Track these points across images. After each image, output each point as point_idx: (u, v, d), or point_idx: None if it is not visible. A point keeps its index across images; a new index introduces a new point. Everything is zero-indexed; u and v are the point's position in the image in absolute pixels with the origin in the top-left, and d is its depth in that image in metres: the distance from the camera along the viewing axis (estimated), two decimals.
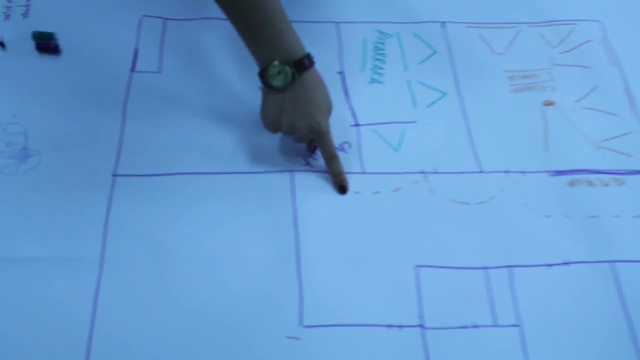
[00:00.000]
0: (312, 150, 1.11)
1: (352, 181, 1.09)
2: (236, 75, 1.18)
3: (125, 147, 1.09)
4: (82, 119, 1.11)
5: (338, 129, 1.14)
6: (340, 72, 1.22)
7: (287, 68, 1.01)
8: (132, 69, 1.18)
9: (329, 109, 1.07)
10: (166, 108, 1.14)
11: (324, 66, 1.10)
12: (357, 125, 1.16)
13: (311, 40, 1.06)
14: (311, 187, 1.08)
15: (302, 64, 1.02)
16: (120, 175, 1.06)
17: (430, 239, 1.04)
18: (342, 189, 1.08)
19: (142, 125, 1.12)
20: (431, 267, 1.02)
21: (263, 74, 1.03)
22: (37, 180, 1.05)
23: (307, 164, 1.11)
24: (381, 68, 1.24)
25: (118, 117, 1.13)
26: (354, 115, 1.17)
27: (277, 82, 1.02)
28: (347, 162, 1.11)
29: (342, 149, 1.13)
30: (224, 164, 1.09)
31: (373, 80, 1.22)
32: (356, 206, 1.07)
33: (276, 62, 1.01)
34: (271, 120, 1.06)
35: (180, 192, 1.06)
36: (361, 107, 1.18)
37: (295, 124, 1.04)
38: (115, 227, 1.01)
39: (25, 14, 1.23)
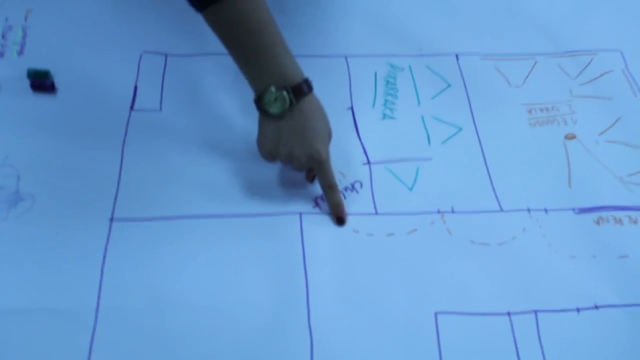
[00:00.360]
0: (311, 179, 1.05)
1: (365, 223, 1.03)
2: (240, 112, 1.13)
3: (123, 190, 1.03)
4: (78, 160, 1.05)
5: (349, 167, 1.08)
6: (351, 108, 1.17)
7: (284, 94, 0.95)
8: (132, 107, 1.12)
9: (328, 136, 1.01)
10: (166, 147, 1.08)
11: (334, 102, 1.07)
12: (368, 163, 1.10)
13: (320, 75, 1.03)
14: (321, 230, 1.02)
15: (300, 89, 0.96)
16: (118, 220, 1.00)
17: (449, 284, 0.98)
18: (339, 220, 1.02)
19: (141, 166, 1.06)
20: (452, 314, 0.95)
21: (259, 101, 0.97)
22: (29, 225, 0.98)
23: (317, 205, 1.04)
24: (393, 103, 1.18)
25: (116, 157, 1.06)
26: (365, 153, 1.11)
27: (274, 109, 0.96)
28: (359, 202, 1.05)
29: (353, 188, 1.07)
30: (228, 206, 1.03)
31: (385, 116, 1.16)
32: (369, 249, 1.00)
33: (273, 88, 0.95)
34: (268, 149, 1.00)
35: (181, 237, 0.99)
36: (373, 145, 1.12)
37: (294, 153, 0.98)
38: (111, 275, 0.94)
39: (20, 52, 1.18)
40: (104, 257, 0.96)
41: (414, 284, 0.97)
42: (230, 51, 0.97)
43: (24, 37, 1.21)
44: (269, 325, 0.92)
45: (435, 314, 0.95)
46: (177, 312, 0.92)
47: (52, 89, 1.13)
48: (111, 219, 1.00)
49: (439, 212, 1.05)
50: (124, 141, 1.09)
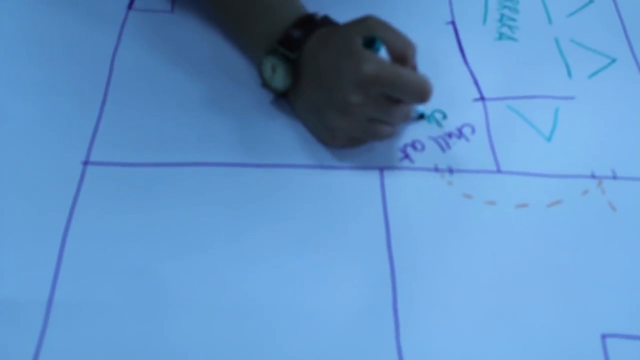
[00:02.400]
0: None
1: (482, 185, 0.68)
2: None
3: (106, 123, 0.69)
4: (49, 74, 0.72)
5: (453, 104, 0.73)
6: (452, 22, 0.80)
7: (274, 58, 0.66)
8: (130, 6, 0.79)
9: (355, 76, 0.63)
10: (176, 65, 0.74)
11: (425, 12, 0.81)
12: (482, 99, 0.73)
13: None
14: (413, 192, 0.66)
15: (290, 39, 0.66)
16: (94, 164, 0.65)
17: (620, 290, 0.61)
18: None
19: (136, 89, 0.72)
20: (627, 338, 0.58)
21: (265, 84, 0.69)
22: None
23: (406, 156, 0.67)
24: (513, 19, 0.81)
25: (102, 73, 0.73)
26: (477, 84, 0.75)
27: (278, 83, 0.68)
28: (471, 154, 0.70)
29: (461, 134, 0.70)
30: (263, 154, 0.67)
31: (502, 36, 0.79)
32: (490, 227, 0.64)
33: (266, 58, 0.67)
34: (323, 137, 0.68)
35: (191, 190, 0.64)
36: (487, 74, 0.77)
37: (333, 123, 0.65)
38: (78, 241, 0.60)
39: None
40: (70, 215, 0.62)
41: (565, 288, 0.61)
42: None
43: None
44: (338, 337, 0.57)
45: (603, 337, 0.58)
46: (177, 306, 0.57)
47: None
48: (85, 162, 0.65)
49: (593, 176, 0.68)
50: (114, 54, 0.75)
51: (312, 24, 0.67)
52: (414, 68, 0.66)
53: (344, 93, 0.62)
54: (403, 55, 0.64)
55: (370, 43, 0.65)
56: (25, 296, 0.57)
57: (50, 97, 0.70)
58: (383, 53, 0.65)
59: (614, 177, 0.69)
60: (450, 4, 0.82)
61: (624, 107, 0.75)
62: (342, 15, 0.68)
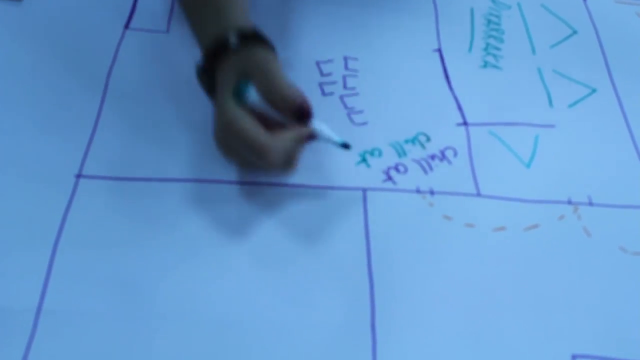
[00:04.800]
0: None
1: (462, 208, 0.69)
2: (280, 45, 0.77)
3: (100, 138, 0.70)
4: (45, 93, 0.73)
5: (437, 127, 0.75)
6: (438, 50, 0.82)
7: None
8: (127, 25, 0.80)
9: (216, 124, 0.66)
10: (171, 83, 0.76)
11: (415, 40, 0.82)
12: (465, 124, 0.75)
13: (396, 5, 0.83)
14: (394, 213, 0.68)
15: (207, 61, 0.67)
16: (87, 177, 0.66)
17: (592, 312, 0.63)
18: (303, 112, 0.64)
19: (130, 107, 0.73)
20: (596, 359, 0.60)
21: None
22: None
23: (389, 178, 0.69)
24: (498, 49, 0.83)
25: (97, 92, 0.74)
26: (460, 109, 0.77)
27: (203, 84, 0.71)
28: (453, 176, 0.71)
29: (443, 157, 0.72)
30: (249, 173, 0.69)
31: (487, 64, 0.82)
32: (468, 248, 0.66)
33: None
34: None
35: (179, 205, 0.66)
36: (471, 100, 0.79)
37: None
38: (69, 253, 0.62)
39: None
40: (62, 226, 0.63)
41: (538, 309, 0.63)
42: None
43: None
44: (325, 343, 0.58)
45: (573, 358, 0.60)
46: (154, 313, 0.60)
47: None
48: (78, 175, 0.66)
49: (570, 202, 0.70)
50: (109, 71, 0.76)
51: (226, 51, 0.66)
52: (296, 112, 0.64)
53: (216, 127, 0.65)
54: (273, 103, 0.64)
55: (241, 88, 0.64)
56: (15, 303, 0.58)
57: (46, 111, 0.71)
58: (252, 95, 0.64)
59: (590, 204, 0.71)
60: (438, 32, 0.85)
61: (602, 136, 0.77)
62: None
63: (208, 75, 0.68)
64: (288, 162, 0.65)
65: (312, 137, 0.65)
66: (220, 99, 0.65)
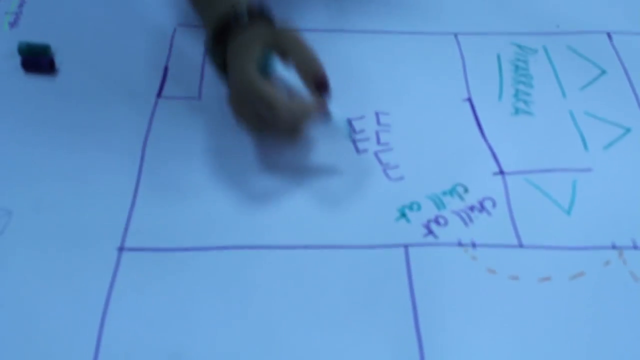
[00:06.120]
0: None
1: (505, 260, 0.69)
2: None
3: (140, 210, 0.71)
4: (81, 165, 0.74)
5: (473, 178, 0.75)
6: (468, 100, 0.82)
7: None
8: (159, 94, 0.81)
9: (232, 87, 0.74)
10: (206, 149, 0.77)
11: (444, 90, 0.82)
12: (501, 173, 0.75)
13: (423, 56, 0.86)
14: (438, 269, 0.68)
15: (226, 30, 0.73)
16: (129, 250, 0.66)
17: None
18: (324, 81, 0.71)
19: (168, 177, 0.74)
20: None
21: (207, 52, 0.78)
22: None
23: (429, 232, 0.69)
24: (528, 94, 0.83)
25: (134, 162, 0.75)
26: (495, 159, 0.76)
27: (215, 58, 0.77)
28: (493, 228, 0.71)
29: (482, 208, 0.72)
30: (298, 234, 0.70)
31: (518, 111, 0.81)
32: (515, 302, 0.66)
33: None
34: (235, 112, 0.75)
35: (224, 274, 0.66)
36: (505, 148, 0.78)
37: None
38: (116, 326, 0.62)
39: (13, 23, 0.87)
40: (107, 300, 0.63)
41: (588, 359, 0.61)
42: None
43: (21, 5, 0.89)
44: None
45: None
46: None
47: (50, 69, 0.82)
48: (120, 248, 0.67)
49: (614, 247, 0.70)
50: (145, 141, 0.77)
51: (240, 23, 0.72)
52: (319, 81, 0.70)
53: (228, 98, 0.73)
54: (300, 67, 0.70)
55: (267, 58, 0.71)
56: None
57: (85, 185, 0.72)
58: (277, 67, 0.71)
59: (635, 247, 0.70)
60: (467, 81, 0.85)
61: None
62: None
63: (218, 49, 0.73)
64: (295, 127, 0.73)
65: (323, 113, 0.70)
66: (241, 64, 0.70)
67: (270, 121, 0.70)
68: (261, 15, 0.73)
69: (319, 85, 0.70)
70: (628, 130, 0.81)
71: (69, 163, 0.74)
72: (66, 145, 0.76)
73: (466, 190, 0.74)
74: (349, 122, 0.74)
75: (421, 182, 0.74)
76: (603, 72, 0.87)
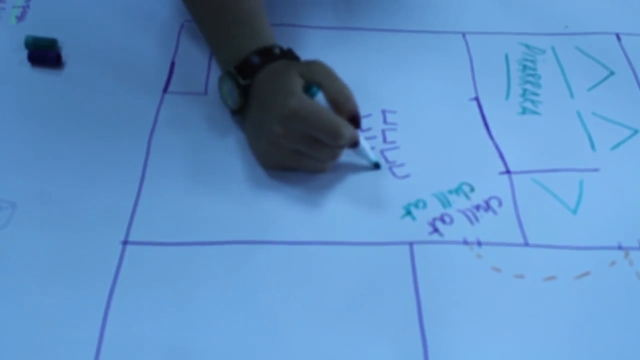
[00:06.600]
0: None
1: (510, 259, 0.68)
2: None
3: (144, 203, 0.71)
4: (87, 158, 0.75)
5: (480, 177, 0.75)
6: (475, 99, 0.82)
7: (229, 81, 0.74)
8: (165, 90, 0.81)
9: (281, 110, 0.69)
10: (211, 144, 0.77)
11: (451, 89, 0.82)
12: (507, 172, 0.75)
13: (430, 55, 0.86)
14: (443, 268, 0.67)
15: (247, 66, 0.72)
16: (134, 243, 0.66)
17: None
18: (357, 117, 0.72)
19: (174, 170, 0.74)
20: None
21: (221, 98, 0.77)
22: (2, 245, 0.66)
23: (435, 230, 0.69)
24: (535, 94, 0.83)
25: (139, 156, 0.75)
26: (502, 158, 0.76)
27: (230, 102, 0.76)
28: (499, 227, 0.70)
29: (488, 207, 0.71)
30: (304, 230, 0.69)
31: (526, 110, 0.81)
32: (520, 300, 0.65)
33: (227, 78, 0.74)
34: (256, 155, 0.75)
35: (227, 268, 0.66)
36: (512, 148, 0.78)
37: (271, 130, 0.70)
38: (118, 320, 0.62)
39: (20, 17, 0.87)
40: (111, 293, 0.63)
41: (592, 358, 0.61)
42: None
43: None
44: None
45: None
46: None
47: (57, 63, 0.82)
48: (124, 242, 0.67)
49: (620, 247, 0.69)
50: (151, 136, 0.77)
51: (270, 55, 0.73)
52: (352, 116, 0.71)
53: (270, 123, 0.69)
54: (337, 101, 0.70)
55: (310, 87, 0.69)
56: None
57: (89, 180, 0.72)
58: (320, 99, 0.69)
59: None
60: (474, 80, 0.85)
61: None
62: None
63: (241, 86, 0.72)
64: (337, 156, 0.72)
65: (355, 143, 0.71)
66: (289, 88, 0.68)
67: (327, 151, 0.70)
68: (286, 52, 0.75)
69: (352, 119, 0.70)
70: (636, 131, 0.81)
71: (73, 157, 0.74)
72: (71, 140, 0.76)
73: (472, 189, 0.73)
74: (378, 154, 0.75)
75: (427, 181, 0.74)
76: (611, 73, 0.87)
